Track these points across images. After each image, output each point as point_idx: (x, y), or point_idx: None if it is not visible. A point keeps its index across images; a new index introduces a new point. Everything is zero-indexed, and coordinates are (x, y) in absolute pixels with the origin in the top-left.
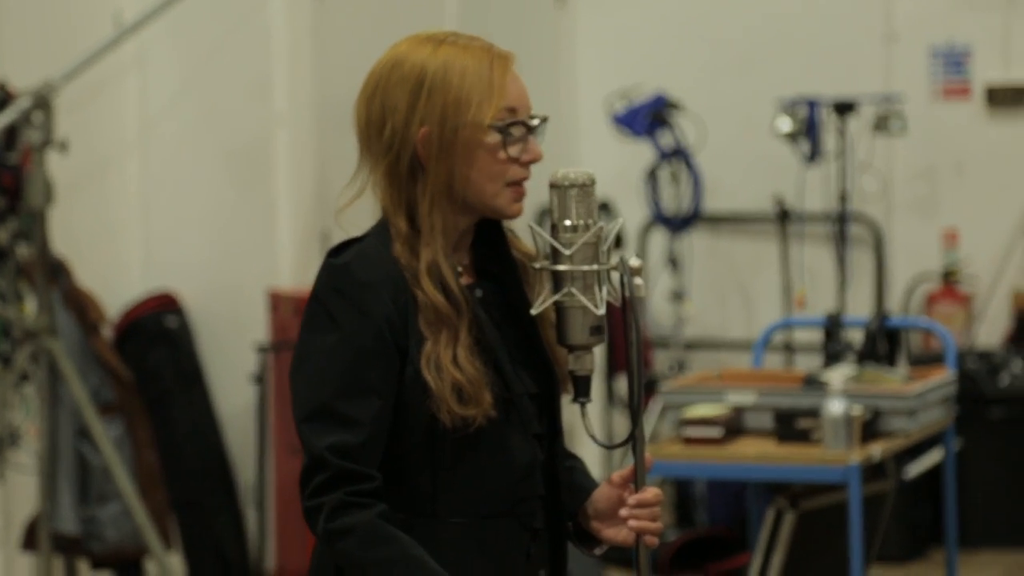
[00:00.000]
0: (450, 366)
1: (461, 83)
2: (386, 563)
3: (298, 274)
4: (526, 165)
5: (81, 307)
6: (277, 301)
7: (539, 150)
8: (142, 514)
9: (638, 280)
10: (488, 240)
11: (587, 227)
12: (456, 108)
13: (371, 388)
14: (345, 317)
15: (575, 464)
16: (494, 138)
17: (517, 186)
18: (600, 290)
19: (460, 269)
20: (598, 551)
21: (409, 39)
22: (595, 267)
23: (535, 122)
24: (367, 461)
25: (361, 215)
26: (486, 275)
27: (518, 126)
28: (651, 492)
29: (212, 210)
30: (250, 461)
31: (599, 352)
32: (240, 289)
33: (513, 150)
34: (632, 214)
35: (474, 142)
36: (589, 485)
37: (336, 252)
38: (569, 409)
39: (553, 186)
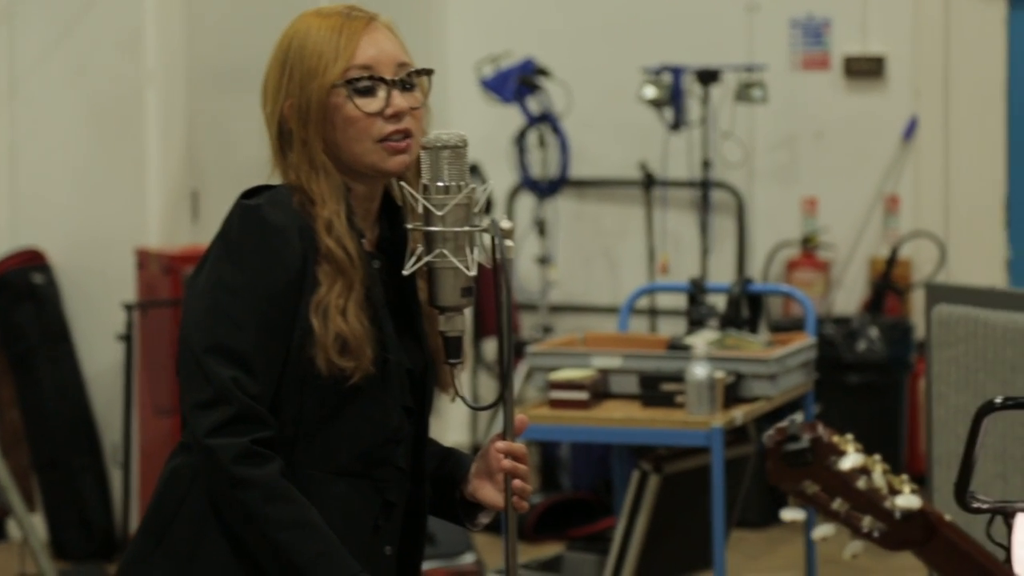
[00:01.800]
0: (337, 316)
1: (312, 53)
2: (285, 523)
3: (167, 233)
4: (394, 119)
5: None
6: (145, 259)
7: (401, 102)
8: (5, 474)
9: (509, 242)
10: (391, 220)
11: (459, 189)
12: (309, 77)
13: (273, 331)
14: (256, 258)
15: (451, 449)
16: (342, 95)
17: (391, 141)
18: (471, 252)
19: (365, 236)
20: (483, 518)
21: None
22: (467, 229)
23: (398, 76)
24: (265, 402)
25: (233, 178)
26: (386, 252)
27: (371, 81)
28: (518, 446)
29: (81, 167)
30: (116, 421)
31: (467, 315)
32: (108, 247)
33: (368, 105)
34: (500, 178)
35: (325, 104)
36: (468, 458)
37: (248, 195)
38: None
39: (424, 148)
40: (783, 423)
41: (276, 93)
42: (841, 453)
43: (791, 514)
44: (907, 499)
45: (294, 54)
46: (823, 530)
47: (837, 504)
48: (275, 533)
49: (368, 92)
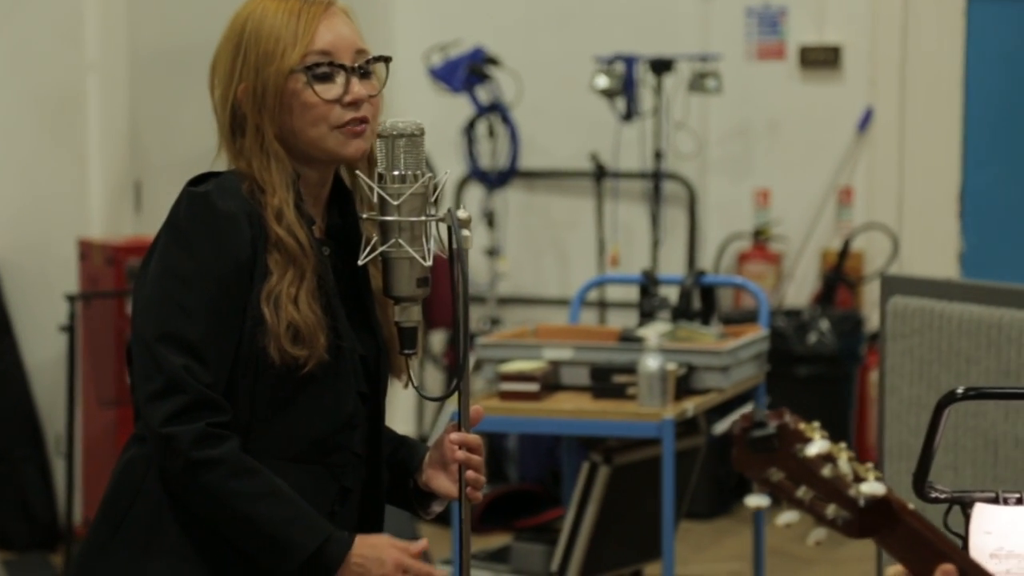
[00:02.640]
0: (289, 305)
1: (269, 36)
2: (253, 495)
3: (109, 223)
4: (352, 107)
5: None
6: (88, 250)
7: (360, 90)
8: None
9: (466, 232)
10: (340, 206)
11: (415, 178)
12: (265, 60)
13: (224, 319)
14: (205, 245)
15: (405, 437)
16: (301, 80)
17: (348, 127)
18: (427, 241)
19: (315, 223)
20: (436, 507)
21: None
22: (423, 218)
23: (358, 63)
24: (218, 389)
25: (176, 167)
26: (336, 238)
27: (332, 67)
28: (473, 437)
29: (21, 157)
30: (59, 412)
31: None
32: (50, 238)
33: (327, 92)
34: (449, 168)
35: (282, 89)
36: (422, 447)
37: (196, 182)
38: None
39: (381, 136)
40: (749, 410)
41: (229, 76)
42: (807, 440)
43: (756, 500)
44: (872, 486)
45: (249, 36)
46: (787, 516)
47: (802, 492)
48: (244, 507)
49: (326, 78)
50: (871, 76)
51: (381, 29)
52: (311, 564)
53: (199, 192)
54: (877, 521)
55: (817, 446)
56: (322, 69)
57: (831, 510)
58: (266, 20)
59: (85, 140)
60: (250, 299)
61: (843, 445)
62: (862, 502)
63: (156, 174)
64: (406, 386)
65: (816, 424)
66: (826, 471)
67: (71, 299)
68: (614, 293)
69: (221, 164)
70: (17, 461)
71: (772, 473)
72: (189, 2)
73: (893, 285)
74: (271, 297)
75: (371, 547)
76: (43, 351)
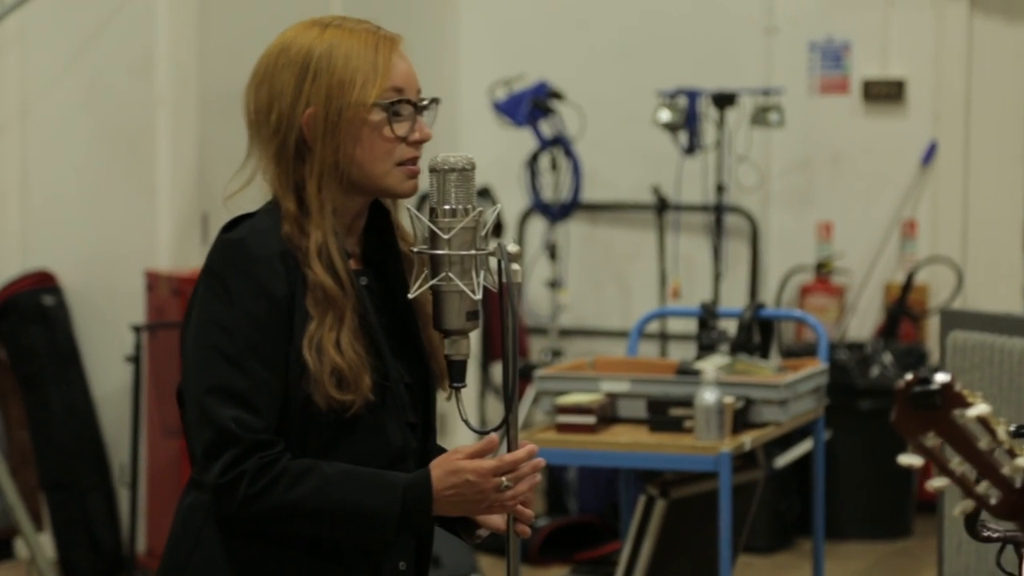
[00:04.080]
0: (332, 350)
1: (346, 64)
2: (318, 491)
3: (177, 255)
4: (415, 145)
5: None
6: (155, 281)
7: (428, 130)
8: (13, 494)
9: (515, 266)
10: (378, 230)
11: (466, 212)
12: (341, 88)
13: (269, 362)
14: (242, 291)
15: None
16: (379, 116)
17: (408, 165)
18: (477, 275)
19: (349, 253)
20: (481, 533)
21: (296, 25)
22: (473, 252)
23: (424, 102)
24: (271, 431)
25: (243, 198)
26: (373, 264)
27: (404, 105)
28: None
29: (92, 189)
30: (124, 442)
31: (475, 338)
32: (118, 269)
33: (400, 129)
34: (512, 202)
35: (359, 121)
36: None
37: (229, 228)
38: (442, 402)
39: (433, 170)
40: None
41: (293, 99)
42: (968, 405)
43: (908, 459)
44: None
45: (320, 62)
46: (938, 482)
47: (955, 463)
48: (316, 506)
49: (399, 115)
50: (935, 109)
51: (448, 64)
52: (405, 520)
53: (232, 238)
54: None
55: (978, 408)
56: (399, 106)
57: (982, 486)
58: (340, 47)
59: (154, 173)
60: (292, 340)
61: (1002, 420)
62: (1018, 481)
63: (223, 206)
64: (449, 398)
65: (979, 393)
66: (983, 444)
67: (137, 330)
68: (675, 325)
69: (258, 197)
70: (84, 490)
71: (929, 438)
72: (258, 39)
73: (953, 320)
74: (313, 343)
75: (452, 473)
76: (110, 381)
